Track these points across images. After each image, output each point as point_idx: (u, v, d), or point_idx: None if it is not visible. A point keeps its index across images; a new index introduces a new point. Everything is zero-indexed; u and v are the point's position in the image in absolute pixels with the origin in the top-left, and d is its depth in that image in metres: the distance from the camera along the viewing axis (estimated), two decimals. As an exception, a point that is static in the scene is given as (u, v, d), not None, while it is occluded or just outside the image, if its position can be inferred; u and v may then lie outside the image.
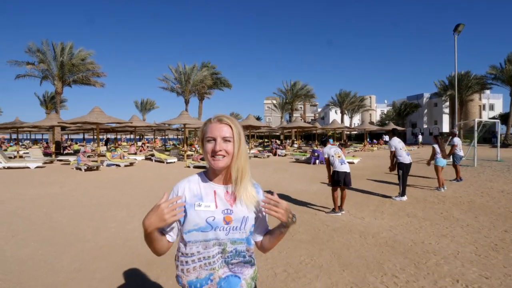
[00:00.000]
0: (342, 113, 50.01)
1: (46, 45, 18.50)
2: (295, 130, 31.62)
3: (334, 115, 59.15)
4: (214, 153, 1.09)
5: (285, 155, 21.34)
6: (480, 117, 48.73)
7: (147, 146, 22.12)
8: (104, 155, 15.12)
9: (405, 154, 7.08)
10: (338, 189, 5.83)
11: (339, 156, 5.88)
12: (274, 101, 49.32)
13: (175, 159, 16.16)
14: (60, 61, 18.61)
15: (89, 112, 14.30)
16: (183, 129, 21.80)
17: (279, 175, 10.88)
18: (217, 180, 1.16)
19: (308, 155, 16.20)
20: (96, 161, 13.96)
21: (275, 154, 20.97)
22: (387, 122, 50.56)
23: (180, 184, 1.17)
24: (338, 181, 5.78)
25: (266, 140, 42.99)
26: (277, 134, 46.29)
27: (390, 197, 7.11)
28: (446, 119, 50.25)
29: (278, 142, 27.84)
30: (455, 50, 17.83)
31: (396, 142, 7.15)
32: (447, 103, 48.92)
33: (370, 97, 63.68)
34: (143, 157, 18.10)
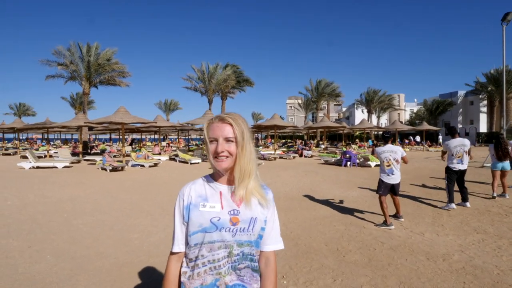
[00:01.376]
0: (369, 112, 48.04)
1: (74, 46, 18.83)
2: (321, 130, 30.50)
3: (361, 114, 57.07)
4: (216, 154, 1.06)
5: (312, 156, 20.42)
6: (522, 116, 45.00)
7: (171, 146, 22.03)
8: (129, 155, 15.01)
9: (454, 160, 6.17)
10: (387, 197, 5.02)
11: (388, 165, 5.03)
12: (298, 101, 48.21)
13: (199, 160, 15.77)
14: (86, 61, 18.86)
15: (115, 112, 14.22)
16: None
17: (310, 179, 10.08)
18: (222, 181, 1.13)
19: (338, 157, 15.23)
20: (121, 161, 13.83)
21: (301, 155, 20.12)
22: (417, 121, 48.05)
23: (185, 187, 1.16)
24: (380, 189, 4.99)
25: (289, 140, 42.03)
26: (301, 134, 45.23)
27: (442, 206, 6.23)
28: (483, 118, 46.86)
29: (303, 142, 26.88)
30: (503, 41, 16.12)
31: (454, 144, 6.18)
32: (485, 102, 45.66)
33: (399, 96, 60.80)
34: (167, 158, 17.89)
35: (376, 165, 13.65)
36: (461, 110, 49.42)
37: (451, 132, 6.33)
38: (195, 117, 17.28)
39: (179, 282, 1.13)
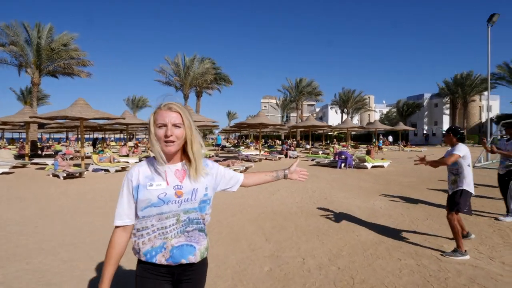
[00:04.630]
0: (343, 112, 48.28)
1: (17, 26, 15.55)
2: (301, 129, 29.55)
3: (334, 114, 57.46)
4: (166, 138, 1.21)
5: (297, 156, 19.17)
6: (480, 118, 47.87)
7: (139, 147, 19.51)
8: (89, 158, 12.60)
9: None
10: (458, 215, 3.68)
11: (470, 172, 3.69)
12: (273, 100, 47.15)
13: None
14: (35, 44, 15.73)
15: (71, 105, 11.67)
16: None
17: (315, 184, 8.64)
18: (164, 161, 1.26)
19: (331, 158, 14.03)
20: (80, 166, 11.43)
21: (286, 156, 18.77)
22: (386, 122, 49.24)
23: (133, 170, 1.29)
24: (465, 205, 3.61)
25: (269, 140, 40.61)
26: (279, 134, 44.17)
27: (494, 216, 5.11)
28: (446, 119, 49.13)
29: (289, 142, 25.57)
30: (488, 42, 16.03)
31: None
32: (448, 104, 47.88)
33: (369, 97, 62.24)
34: (137, 160, 15.57)
35: (374, 167, 12.63)
36: (426, 112, 51.52)
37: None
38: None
39: (134, 249, 1.30)
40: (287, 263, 3.34)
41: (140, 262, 1.30)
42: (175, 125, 1.22)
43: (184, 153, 1.31)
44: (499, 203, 6.00)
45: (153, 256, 1.24)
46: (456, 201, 3.66)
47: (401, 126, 29.97)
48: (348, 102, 43.90)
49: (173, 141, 1.22)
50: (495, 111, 50.66)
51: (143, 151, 19.53)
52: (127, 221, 1.26)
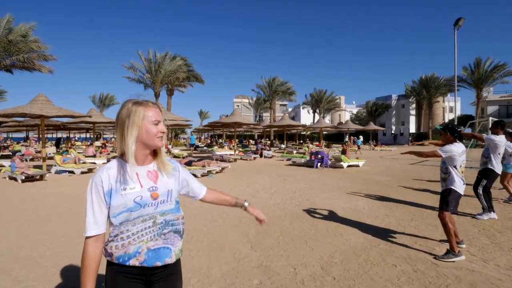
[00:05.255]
0: (315, 112, 49.12)
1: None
2: (275, 129, 29.55)
3: (306, 114, 58.31)
4: (162, 134, 1.23)
5: (272, 156, 19.04)
6: (444, 118, 50.94)
7: (107, 147, 18.29)
8: (52, 159, 11.53)
9: (499, 162, 5.25)
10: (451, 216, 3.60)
11: (462, 171, 3.62)
12: (245, 100, 46.87)
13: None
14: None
15: (31, 101, 10.57)
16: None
17: (293, 185, 8.45)
18: (136, 163, 1.21)
19: (307, 157, 14.00)
20: (41, 168, 10.39)
21: (261, 156, 18.55)
22: (356, 122, 50.84)
23: (101, 173, 1.19)
24: (452, 203, 3.54)
25: (244, 139, 40.21)
26: (252, 133, 43.94)
27: (470, 214, 5.20)
28: (412, 120, 51.73)
29: (263, 142, 25.38)
30: (455, 45, 16.89)
31: (502, 143, 5.16)
32: (414, 105, 50.40)
33: (340, 98, 63.96)
34: (105, 160, 14.57)
35: (349, 166, 12.75)
36: (394, 112, 53.92)
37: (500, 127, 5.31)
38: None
39: (105, 251, 1.23)
40: (278, 274, 3.04)
41: (110, 263, 1.24)
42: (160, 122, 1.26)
43: (153, 153, 1.30)
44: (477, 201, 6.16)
45: (126, 261, 1.19)
46: (445, 199, 3.59)
47: (372, 126, 30.94)
48: (321, 102, 44.70)
49: (162, 137, 1.25)
50: (457, 112, 54.23)
51: (112, 151, 18.38)
52: (100, 230, 1.19)
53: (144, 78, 20.98)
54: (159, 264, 1.22)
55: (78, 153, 14.58)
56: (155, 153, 1.29)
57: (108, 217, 1.20)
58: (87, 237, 1.18)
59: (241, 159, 17.13)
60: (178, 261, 1.35)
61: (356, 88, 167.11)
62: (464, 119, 44.35)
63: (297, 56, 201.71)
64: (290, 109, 73.04)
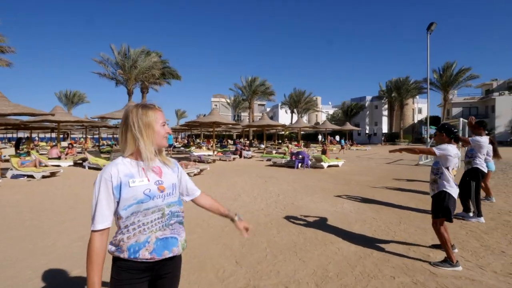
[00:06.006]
0: (293, 112, 49.43)
1: None
2: (254, 129, 29.23)
3: (284, 114, 58.60)
4: (166, 135, 1.36)
5: (251, 157, 18.69)
6: (413, 119, 53.14)
7: (75, 148, 16.94)
8: (8, 161, 10.41)
9: (484, 161, 5.22)
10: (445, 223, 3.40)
11: (455, 175, 3.43)
12: (223, 99, 46.17)
13: (118, 165, 12.10)
14: None
15: (-17, 98, 9.46)
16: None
17: (276, 187, 8.13)
18: (140, 159, 1.30)
19: (287, 158, 13.78)
20: (-6, 171, 9.31)
21: (240, 156, 18.12)
22: (333, 122, 51.78)
23: (110, 169, 1.25)
24: (450, 211, 3.33)
25: (224, 139, 39.45)
26: (231, 133, 43.31)
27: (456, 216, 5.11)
28: (385, 120, 53.53)
29: (242, 142, 24.89)
30: (427, 49, 17.38)
31: (486, 143, 5.11)
32: (386, 106, 52.16)
33: (317, 98, 64.95)
34: (71, 163, 13.51)
35: (329, 166, 12.67)
36: (368, 112, 55.55)
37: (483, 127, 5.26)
38: (106, 112, 13.31)
39: (113, 245, 1.28)
40: (268, 295, 2.67)
41: (116, 260, 1.27)
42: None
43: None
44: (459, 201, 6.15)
45: (137, 252, 1.23)
46: (441, 207, 3.36)
47: (348, 126, 31.53)
48: (299, 103, 45.00)
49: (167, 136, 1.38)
50: (425, 114, 56.80)
51: (79, 152, 17.15)
52: (106, 224, 1.23)
53: (116, 74, 19.72)
54: (167, 253, 1.28)
55: (41, 155, 13.41)
56: (156, 151, 1.36)
57: (116, 212, 1.25)
58: (94, 231, 1.21)
59: (220, 159, 16.61)
60: (180, 256, 1.42)
61: (332, 89, 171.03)
62: (431, 120, 46.63)
63: (273, 55, 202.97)
64: (268, 109, 73.11)
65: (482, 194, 6.72)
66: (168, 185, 1.33)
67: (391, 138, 46.06)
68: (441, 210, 3.35)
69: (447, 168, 3.37)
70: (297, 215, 5.29)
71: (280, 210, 5.63)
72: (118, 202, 1.24)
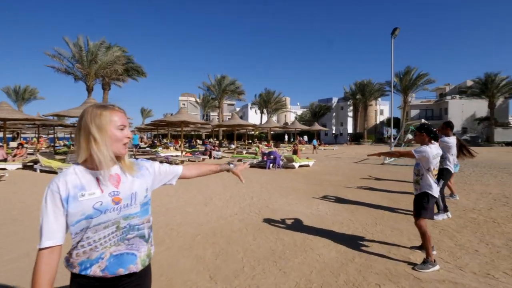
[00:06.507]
0: (263, 113, 49.56)
1: None
2: (224, 129, 28.73)
3: (254, 114, 58.59)
4: (125, 140, 1.19)
5: (222, 157, 18.26)
6: (376, 120, 55.86)
7: (25, 148, 15.28)
8: None
9: (452, 162, 5.36)
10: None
11: (435, 174, 3.39)
12: (191, 98, 45.01)
13: (76, 168, 11.06)
14: None
15: None
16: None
17: (249, 189, 7.85)
18: (95, 168, 1.16)
19: (259, 158, 13.56)
20: None
21: (210, 157, 17.61)
22: (301, 122, 52.79)
23: (58, 180, 1.13)
24: (432, 211, 3.32)
25: (189, 139, 38.28)
26: (200, 133, 42.25)
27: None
28: (350, 121, 55.68)
29: (212, 142, 24.23)
30: (392, 53, 18.14)
31: (454, 142, 5.22)
32: (351, 107, 54.28)
33: (286, 99, 65.80)
34: (20, 165, 12.14)
35: (300, 166, 12.66)
36: (334, 114, 57.40)
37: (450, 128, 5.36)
38: (63, 109, 12.11)
39: (66, 260, 1.17)
40: (248, 315, 2.37)
41: (73, 277, 1.18)
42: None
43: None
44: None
45: (88, 268, 1.13)
46: (425, 207, 3.33)
47: (316, 127, 32.20)
48: (269, 103, 45.19)
49: (127, 143, 1.22)
50: (386, 115, 59.97)
51: (30, 154, 15.53)
52: (57, 241, 1.09)
53: (74, 69, 18.09)
54: (122, 271, 1.16)
55: (-17, 156, 11.93)
56: (117, 156, 1.22)
57: (67, 226, 1.13)
58: (40, 249, 1.08)
59: (188, 160, 15.97)
60: (146, 272, 1.28)
61: (300, 90, 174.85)
62: (394, 122, 49.36)
63: (241, 56, 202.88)
64: (238, 109, 72.74)
65: (447, 192, 7.01)
66: (125, 196, 1.18)
67: (356, 138, 47.98)
68: (423, 210, 3.33)
69: (428, 169, 3.32)
70: (273, 219, 5.04)
71: (255, 214, 5.35)
72: (66, 216, 1.11)
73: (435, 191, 3.35)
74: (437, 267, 3.13)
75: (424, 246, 3.32)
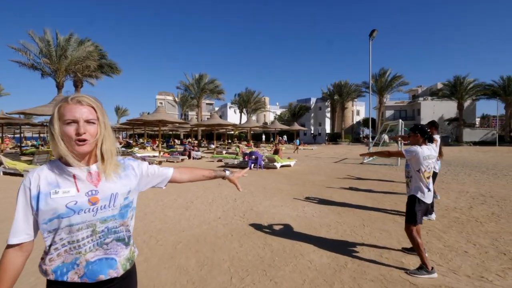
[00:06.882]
0: (242, 112, 49.27)
1: None
2: (203, 128, 28.16)
3: (233, 114, 58.18)
4: (78, 136, 1.05)
5: (201, 157, 17.82)
6: (353, 120, 57.25)
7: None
8: None
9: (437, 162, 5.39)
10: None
11: (429, 176, 3.28)
12: (169, 97, 43.85)
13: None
14: None
15: None
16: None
17: (232, 190, 7.58)
18: (74, 164, 1.08)
19: (240, 158, 13.29)
20: None
21: (189, 157, 17.11)
22: (281, 122, 53.09)
23: (31, 175, 1.07)
24: (416, 215, 3.20)
25: (168, 139, 37.19)
26: (178, 133, 41.21)
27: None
28: (328, 121, 56.69)
29: (190, 142, 23.57)
30: (369, 53, 18.51)
31: (438, 143, 5.22)
32: (329, 108, 55.27)
33: (265, 98, 65.89)
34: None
35: (282, 166, 12.54)
36: (313, 114, 58.19)
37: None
38: (33, 106, 11.21)
39: (40, 268, 1.10)
40: (239, 336, 2.12)
41: (50, 283, 1.09)
42: (88, 121, 1.07)
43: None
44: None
45: (64, 274, 1.05)
46: (410, 212, 3.22)
47: (296, 126, 32.39)
48: (249, 102, 44.95)
49: (86, 140, 1.06)
50: (362, 115, 61.64)
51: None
52: (23, 238, 1.05)
53: (42, 64, 16.77)
54: (102, 277, 1.08)
55: None
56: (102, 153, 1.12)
57: (38, 223, 1.06)
58: (7, 245, 1.05)
59: (167, 161, 15.40)
60: (129, 276, 1.20)
61: (279, 90, 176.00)
62: (368, 121, 50.81)
63: (219, 56, 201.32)
64: (217, 108, 71.96)
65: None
66: (103, 196, 1.08)
67: (333, 138, 48.86)
68: (409, 215, 3.23)
69: (418, 170, 3.21)
70: (258, 223, 4.81)
71: (240, 218, 5.09)
72: (37, 215, 1.05)
73: (426, 195, 3.22)
74: (434, 275, 2.99)
75: (417, 253, 3.20)
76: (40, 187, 1.04)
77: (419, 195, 3.21)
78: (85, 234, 1.06)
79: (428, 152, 3.24)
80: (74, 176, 1.07)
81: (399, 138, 5.05)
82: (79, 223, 1.04)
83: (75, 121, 1.04)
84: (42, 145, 25.92)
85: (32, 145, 27.76)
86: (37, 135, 39.57)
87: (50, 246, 1.06)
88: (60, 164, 1.09)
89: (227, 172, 1.57)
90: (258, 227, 4.62)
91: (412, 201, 3.23)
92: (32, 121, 21.10)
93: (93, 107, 1.08)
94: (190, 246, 3.76)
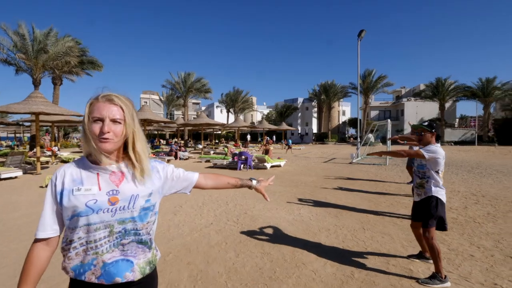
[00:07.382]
0: (229, 112, 48.79)
1: None
2: (189, 128, 27.58)
3: (219, 114, 57.61)
4: (102, 134, 1.03)
5: (188, 158, 17.34)
6: (339, 121, 57.87)
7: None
8: None
9: None
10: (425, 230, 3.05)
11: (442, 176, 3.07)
12: (154, 96, 42.86)
13: (18, 172, 9.59)
14: None
15: None
16: (31, 122, 14.03)
17: (223, 192, 7.23)
18: (103, 161, 1.07)
19: (229, 159, 12.94)
20: None
21: (176, 157, 16.60)
22: (269, 122, 52.99)
23: (59, 171, 1.09)
24: (443, 218, 2.99)
25: (153, 139, 36.22)
26: (163, 133, 40.27)
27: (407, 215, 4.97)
28: (315, 121, 57.06)
29: (177, 142, 22.94)
30: (358, 54, 18.56)
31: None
32: (316, 108, 55.63)
33: (252, 98, 65.62)
34: None
35: (273, 166, 12.29)
36: (300, 114, 58.42)
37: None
38: (8, 103, 10.42)
39: (62, 266, 1.09)
40: None
41: (71, 281, 1.10)
42: (114, 121, 1.05)
43: (125, 152, 1.12)
44: (405, 199, 6.19)
45: (82, 274, 1.04)
46: (433, 215, 2.97)
47: (284, 126, 32.27)
48: (237, 102, 44.53)
49: (109, 139, 1.04)
50: (348, 115, 62.42)
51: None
52: (50, 233, 1.07)
53: (16, 59, 15.74)
54: (119, 280, 1.05)
55: None
56: (125, 151, 1.12)
57: (64, 219, 1.07)
58: (35, 240, 1.07)
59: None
60: (149, 282, 1.14)
61: (266, 90, 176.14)
62: (353, 121, 51.56)
63: (207, 55, 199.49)
64: (203, 108, 71.07)
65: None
66: (124, 197, 1.05)
67: (320, 138, 49.17)
68: (431, 219, 2.97)
69: (437, 171, 3.00)
70: (254, 229, 4.51)
71: (233, 223, 4.77)
72: (61, 211, 1.05)
73: (444, 196, 3.03)
74: (447, 284, 2.80)
75: (433, 260, 2.98)
76: (64, 184, 1.05)
77: (440, 195, 3.00)
78: (103, 235, 1.04)
79: (443, 151, 3.04)
80: (97, 174, 1.07)
81: (403, 140, 4.82)
82: (97, 223, 1.03)
83: (101, 119, 1.04)
84: (17, 146, 24.61)
85: (7, 146, 26.31)
86: (12, 135, 37.68)
87: (70, 244, 1.05)
88: (86, 161, 1.10)
89: (254, 182, 1.48)
90: (253, 233, 4.32)
91: (434, 202, 2.98)
92: (7, 120, 19.94)
93: (121, 107, 1.07)
94: (181, 257, 3.42)
